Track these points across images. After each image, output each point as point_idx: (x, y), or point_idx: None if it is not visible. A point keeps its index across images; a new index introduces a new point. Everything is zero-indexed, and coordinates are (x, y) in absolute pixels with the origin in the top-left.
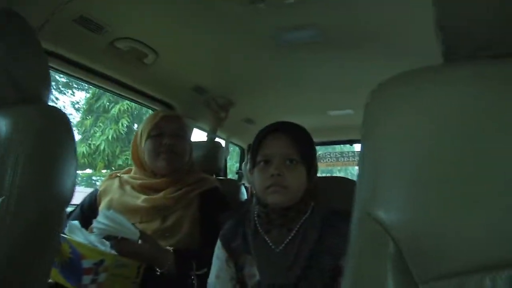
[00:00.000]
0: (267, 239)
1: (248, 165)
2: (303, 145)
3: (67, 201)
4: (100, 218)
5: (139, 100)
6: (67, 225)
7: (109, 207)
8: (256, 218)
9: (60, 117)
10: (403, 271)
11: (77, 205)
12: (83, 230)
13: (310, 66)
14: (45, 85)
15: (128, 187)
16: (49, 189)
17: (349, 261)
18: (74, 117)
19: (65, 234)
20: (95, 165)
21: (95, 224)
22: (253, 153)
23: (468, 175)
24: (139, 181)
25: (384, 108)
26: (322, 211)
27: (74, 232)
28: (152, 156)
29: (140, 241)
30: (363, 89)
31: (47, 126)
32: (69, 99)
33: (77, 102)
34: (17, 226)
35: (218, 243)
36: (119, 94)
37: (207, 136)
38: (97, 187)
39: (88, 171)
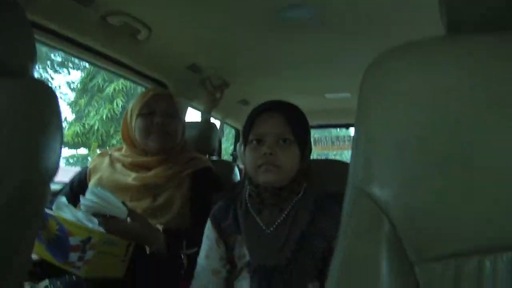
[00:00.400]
0: (258, 219)
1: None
2: (297, 124)
3: (51, 175)
4: (88, 195)
5: (132, 78)
6: (55, 202)
7: (99, 184)
8: (247, 198)
9: (45, 90)
10: (398, 251)
11: (67, 183)
12: (71, 206)
13: (307, 47)
14: (30, 57)
15: (118, 165)
16: (32, 162)
17: (341, 240)
18: (69, 97)
19: (51, 210)
20: (89, 144)
21: (82, 201)
22: (245, 132)
23: (467, 152)
24: (130, 159)
25: (381, 81)
26: (315, 193)
27: (61, 209)
28: (143, 135)
29: (129, 219)
30: (361, 73)
31: (31, 98)
32: (65, 78)
33: (73, 82)
34: None
35: (208, 223)
36: (112, 71)
37: (201, 116)
38: (87, 165)
39: (83, 151)
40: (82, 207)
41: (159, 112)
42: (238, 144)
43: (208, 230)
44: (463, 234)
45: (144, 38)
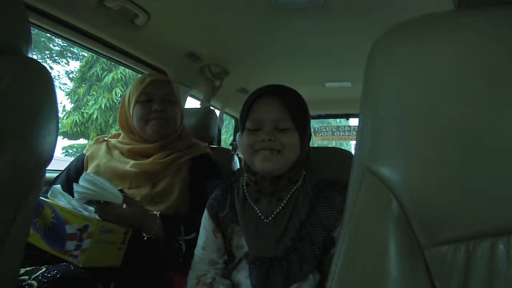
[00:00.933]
0: (256, 209)
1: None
2: (296, 110)
3: (46, 159)
4: (81, 182)
5: (131, 65)
6: (50, 189)
7: (96, 172)
8: (245, 187)
9: (39, 69)
10: (407, 233)
11: (63, 170)
12: (66, 194)
13: (308, 34)
14: (24, 37)
15: (116, 152)
16: (26, 144)
17: (348, 221)
18: (69, 86)
19: (47, 198)
20: (88, 134)
21: (75, 188)
22: (242, 118)
23: (479, 130)
24: (128, 146)
25: (388, 57)
26: (315, 181)
27: (56, 197)
28: (141, 122)
29: (124, 206)
30: (363, 61)
31: (25, 77)
32: (64, 68)
33: (71, 72)
34: None
35: (205, 213)
36: (110, 57)
37: (200, 105)
38: (84, 152)
39: (83, 141)
40: (75, 194)
41: (157, 99)
42: (237, 134)
43: (205, 220)
44: (475, 215)
45: (142, 23)
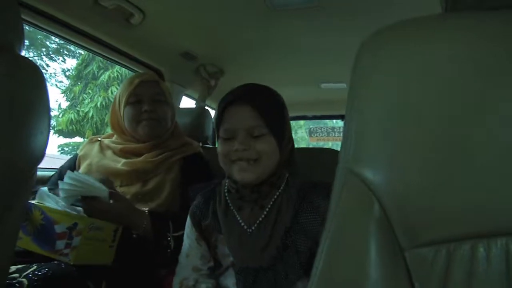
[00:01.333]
0: (238, 218)
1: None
2: (270, 114)
3: (38, 158)
4: (66, 179)
5: (126, 64)
6: (38, 192)
7: (88, 170)
8: (226, 194)
9: (31, 67)
10: (388, 234)
11: (56, 171)
12: (53, 196)
13: (303, 34)
14: (16, 35)
15: (108, 152)
16: (18, 142)
17: (330, 222)
18: (65, 84)
19: (34, 201)
20: (84, 132)
21: (60, 185)
22: (216, 124)
23: (463, 133)
24: (120, 146)
25: (375, 57)
26: (298, 184)
27: (44, 199)
28: (132, 124)
29: (111, 201)
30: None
31: (17, 75)
32: (60, 66)
33: (68, 70)
34: None
35: (188, 221)
36: (105, 56)
37: (195, 105)
38: (78, 152)
39: (78, 139)
40: (61, 192)
41: (146, 100)
42: None
43: (188, 228)
44: (456, 218)
45: (138, 22)
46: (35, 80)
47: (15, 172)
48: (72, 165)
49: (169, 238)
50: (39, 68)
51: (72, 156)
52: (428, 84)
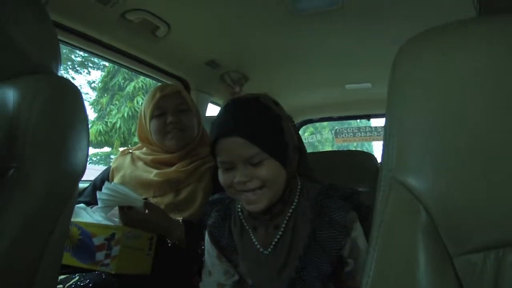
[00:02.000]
0: (254, 239)
1: None
2: (264, 136)
3: (79, 174)
4: (104, 190)
5: (152, 75)
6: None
7: (122, 182)
8: (240, 214)
9: (70, 88)
10: (436, 242)
11: (90, 183)
12: (89, 209)
13: (326, 37)
14: (54, 56)
15: (140, 163)
16: (59, 162)
17: (377, 231)
18: (90, 96)
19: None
20: (112, 142)
21: (98, 195)
22: (212, 153)
23: (505, 138)
24: (151, 157)
25: (412, 64)
26: (313, 193)
27: (79, 214)
28: (159, 136)
29: (146, 211)
30: (382, 62)
31: (56, 96)
32: (85, 78)
33: (93, 81)
34: (27, 201)
35: (207, 238)
36: (132, 69)
37: None
38: (111, 165)
39: (106, 149)
40: (99, 202)
41: (170, 111)
42: None
43: (208, 245)
44: (504, 222)
45: (163, 34)
46: (74, 99)
47: (60, 189)
48: (105, 177)
49: (202, 247)
50: (77, 88)
51: (105, 169)
52: (468, 89)
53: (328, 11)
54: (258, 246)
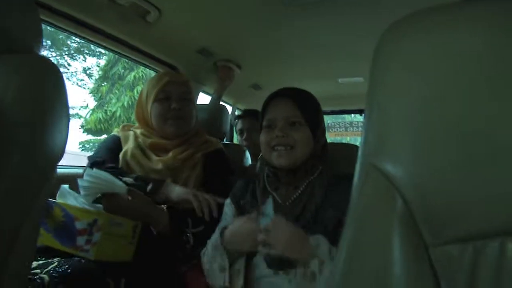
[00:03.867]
0: (275, 195)
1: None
2: (306, 107)
3: (57, 157)
4: (85, 177)
5: (143, 62)
6: (59, 189)
7: (124, 159)
8: (265, 178)
9: (50, 68)
10: (411, 231)
11: (100, 147)
12: (74, 193)
13: (320, 29)
14: (35, 36)
15: (140, 141)
16: (36, 143)
17: (351, 215)
18: (86, 83)
19: (55, 199)
20: (111, 131)
21: (80, 183)
22: (261, 117)
23: (487, 126)
24: (149, 140)
25: (394, 50)
26: (329, 174)
27: (65, 196)
28: (159, 120)
29: (130, 198)
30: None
31: (35, 76)
32: (81, 65)
33: (89, 68)
34: (1, 181)
35: (227, 201)
36: (122, 54)
37: (211, 100)
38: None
39: (102, 137)
40: (81, 189)
41: (175, 98)
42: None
43: (227, 207)
44: (483, 214)
45: (154, 20)
46: (54, 80)
47: (36, 170)
48: (118, 145)
49: (188, 234)
50: (58, 69)
51: (112, 136)
52: (449, 74)
53: (321, 3)
54: (279, 200)
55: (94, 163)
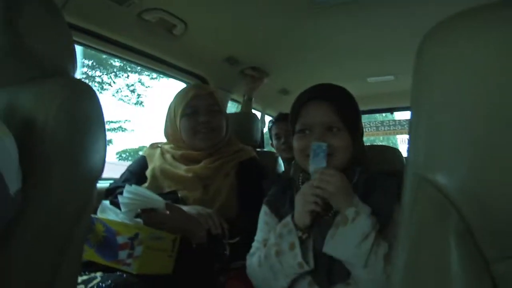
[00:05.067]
0: None
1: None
2: (345, 110)
3: (96, 177)
4: (125, 193)
5: (170, 73)
6: (100, 205)
7: (152, 175)
8: (301, 185)
9: (86, 90)
10: (470, 246)
11: (126, 171)
12: (115, 209)
13: (347, 29)
14: (70, 59)
15: (168, 156)
16: (77, 164)
17: (404, 233)
18: (130, 98)
19: (96, 215)
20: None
21: (121, 200)
22: (292, 120)
23: None
24: (180, 152)
25: (439, 52)
26: (366, 178)
27: (105, 212)
28: (189, 135)
29: (168, 212)
30: (405, 53)
31: (72, 98)
32: (124, 82)
33: (132, 84)
34: (46, 203)
35: (266, 209)
36: (150, 68)
37: (242, 106)
38: (142, 153)
39: (134, 146)
40: (122, 206)
41: (202, 111)
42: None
43: (267, 216)
44: None
45: (180, 33)
46: (90, 101)
47: (77, 189)
48: (142, 165)
49: (225, 245)
50: (93, 89)
51: (138, 157)
52: (504, 77)
53: (347, 3)
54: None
55: (113, 188)
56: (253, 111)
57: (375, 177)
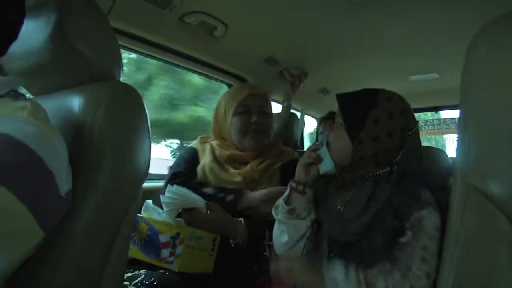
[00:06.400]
0: (333, 197)
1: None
2: (347, 110)
3: (142, 177)
4: (167, 193)
5: (211, 75)
6: (144, 204)
7: (203, 174)
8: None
9: (131, 92)
10: None
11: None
12: (158, 209)
13: (388, 25)
14: (116, 63)
15: (217, 154)
16: (123, 165)
17: (453, 247)
18: None
19: (140, 214)
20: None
21: (163, 199)
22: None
23: None
24: (227, 152)
25: (491, 52)
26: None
27: (149, 211)
28: (239, 134)
29: (208, 212)
30: (450, 50)
31: (118, 101)
32: None
33: None
34: (94, 202)
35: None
36: (191, 69)
37: (282, 108)
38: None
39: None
40: (164, 206)
41: (255, 111)
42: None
43: None
44: None
45: (221, 34)
46: (136, 104)
47: (124, 190)
48: (195, 156)
49: (265, 247)
50: (138, 93)
51: (188, 149)
52: None
53: None
54: (338, 204)
55: (174, 174)
56: (292, 110)
57: (400, 178)
